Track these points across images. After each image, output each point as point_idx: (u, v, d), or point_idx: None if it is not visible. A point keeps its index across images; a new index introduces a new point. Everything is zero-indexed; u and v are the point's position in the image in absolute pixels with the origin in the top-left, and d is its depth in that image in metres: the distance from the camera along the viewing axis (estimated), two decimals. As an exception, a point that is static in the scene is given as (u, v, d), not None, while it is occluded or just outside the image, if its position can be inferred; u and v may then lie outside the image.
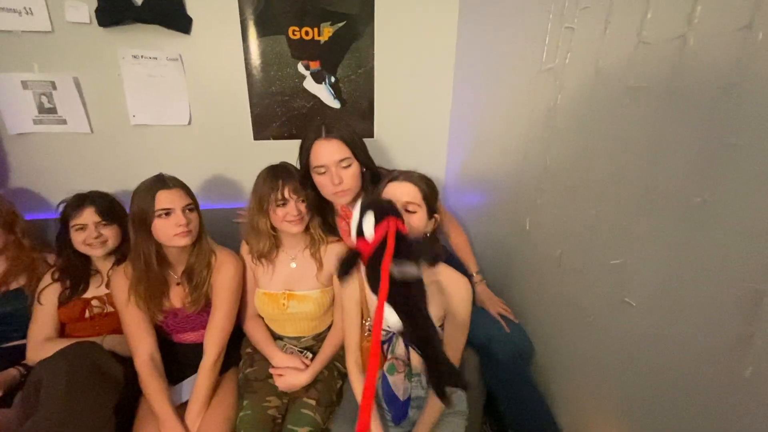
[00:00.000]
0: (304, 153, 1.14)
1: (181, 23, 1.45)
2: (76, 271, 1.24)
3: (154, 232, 1.08)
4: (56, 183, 1.53)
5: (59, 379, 0.93)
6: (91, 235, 1.18)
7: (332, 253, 1.23)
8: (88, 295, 1.25)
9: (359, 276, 0.99)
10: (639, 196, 0.82)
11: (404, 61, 1.72)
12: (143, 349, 1.10)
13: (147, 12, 1.39)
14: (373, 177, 1.19)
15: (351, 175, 1.11)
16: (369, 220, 0.63)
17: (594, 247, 0.96)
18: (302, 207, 1.14)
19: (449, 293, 0.98)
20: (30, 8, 1.33)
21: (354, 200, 1.16)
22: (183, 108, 1.55)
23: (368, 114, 1.76)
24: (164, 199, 1.06)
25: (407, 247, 0.59)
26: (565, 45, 1.04)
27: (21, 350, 1.20)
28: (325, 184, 1.11)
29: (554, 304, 1.14)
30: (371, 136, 1.80)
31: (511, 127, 1.31)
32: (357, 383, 1.07)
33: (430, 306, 0.78)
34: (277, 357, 1.19)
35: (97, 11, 1.36)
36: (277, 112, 1.66)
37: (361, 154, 1.14)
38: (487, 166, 1.50)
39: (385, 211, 0.64)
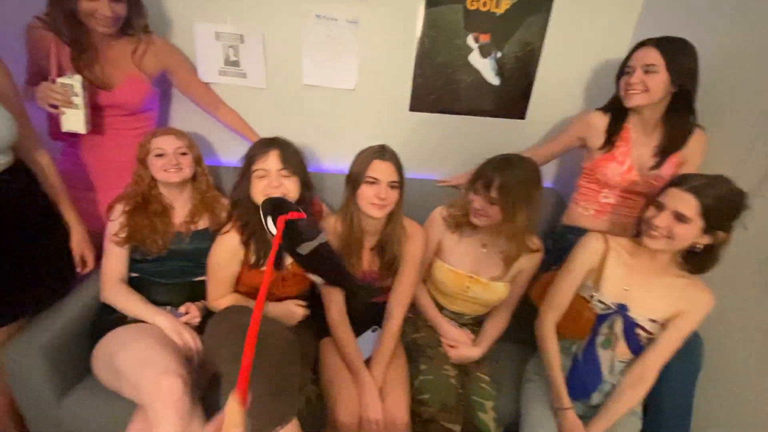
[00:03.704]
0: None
1: (367, -15, 1.44)
2: (258, 230, 1.16)
3: (358, 195, 1.11)
4: (224, 132, 1.62)
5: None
6: (272, 182, 1.12)
7: (526, 262, 1.19)
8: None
9: (610, 247, 1.05)
10: None
11: (575, 44, 1.61)
12: (337, 299, 1.15)
13: (341, -29, 1.39)
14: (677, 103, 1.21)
15: (654, 84, 1.17)
16: (270, 223, 0.78)
17: None
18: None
19: (691, 300, 0.98)
20: (235, -40, 1.37)
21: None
22: (352, 72, 1.57)
23: (524, 95, 1.69)
24: (376, 168, 1.09)
25: (299, 231, 0.76)
26: None
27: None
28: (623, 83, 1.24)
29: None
30: (522, 117, 1.73)
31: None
32: (551, 342, 1.10)
33: (662, 301, 1.01)
34: (446, 329, 1.22)
35: (295, -32, 1.39)
36: (436, 84, 1.63)
37: (678, 75, 1.16)
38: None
39: (278, 211, 0.78)
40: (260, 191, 1.12)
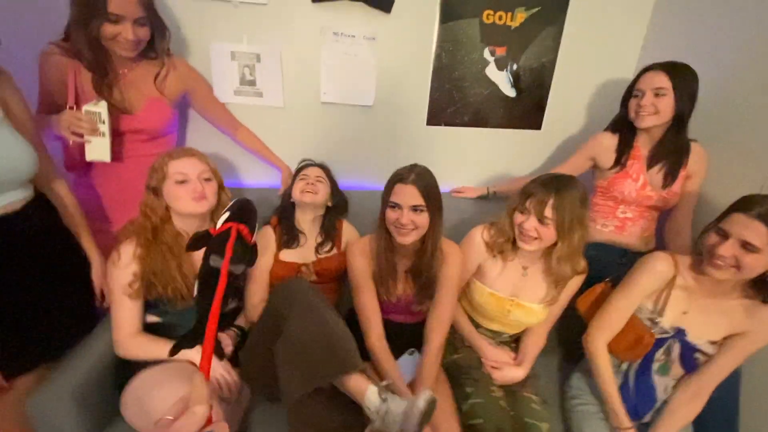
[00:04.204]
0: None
1: (385, 1, 1.43)
2: (290, 224, 1.31)
3: (386, 219, 1.09)
4: (243, 154, 1.58)
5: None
6: (309, 181, 1.28)
7: (571, 283, 1.15)
8: (298, 260, 1.30)
9: (679, 271, 1.02)
10: None
11: (587, 56, 1.64)
12: (376, 324, 1.12)
13: (360, -12, 1.38)
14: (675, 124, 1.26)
15: (663, 107, 1.23)
16: (224, 215, 0.81)
17: None
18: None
19: (759, 321, 0.96)
20: (251, -21, 1.35)
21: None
22: (369, 88, 1.55)
23: (540, 106, 1.70)
24: (397, 192, 1.06)
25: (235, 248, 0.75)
26: None
27: (235, 313, 1.26)
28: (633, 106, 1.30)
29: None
30: (538, 128, 1.74)
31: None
32: (604, 362, 1.07)
33: (721, 322, 0.99)
34: (487, 350, 1.19)
35: (313, -15, 1.37)
36: (454, 97, 1.63)
37: (682, 98, 1.21)
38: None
39: (235, 215, 0.80)
40: (299, 189, 1.27)
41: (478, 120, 1.69)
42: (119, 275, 1.03)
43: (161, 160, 1.07)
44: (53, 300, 0.97)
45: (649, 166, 1.31)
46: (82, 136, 1.03)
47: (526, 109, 1.70)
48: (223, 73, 1.44)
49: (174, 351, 0.89)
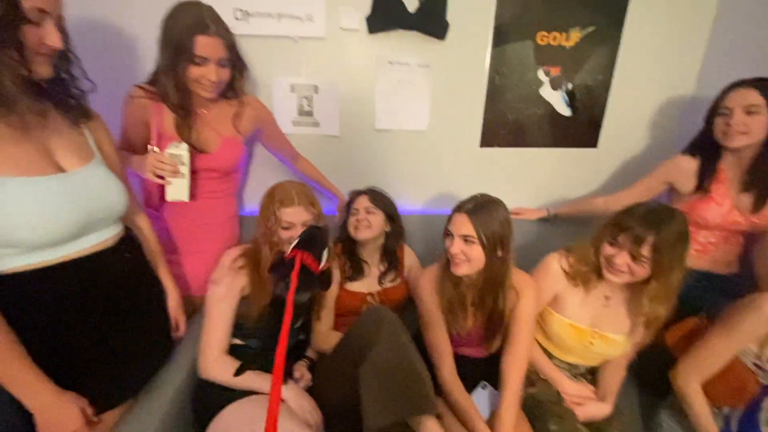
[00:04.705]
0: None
1: (439, 29, 1.45)
2: (353, 254, 1.35)
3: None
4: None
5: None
6: (359, 216, 1.30)
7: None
8: (364, 289, 1.30)
9: None
10: None
11: (645, 72, 1.60)
12: (448, 358, 1.08)
13: (416, 19, 1.41)
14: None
15: (757, 125, 1.16)
16: (293, 242, 0.84)
17: None
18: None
19: None
20: (311, 15, 1.40)
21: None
22: (424, 114, 1.56)
23: (596, 123, 1.66)
24: (453, 221, 1.04)
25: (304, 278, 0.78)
26: None
27: (302, 345, 1.25)
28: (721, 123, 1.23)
29: None
30: (594, 146, 1.69)
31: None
32: (701, 404, 0.99)
33: None
34: (566, 384, 1.13)
35: (370, 18, 1.40)
36: (508, 118, 1.61)
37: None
38: None
39: (300, 243, 0.83)
40: (352, 226, 1.31)
41: (533, 140, 1.66)
42: (228, 284, 1.08)
43: (274, 205, 1.10)
44: (139, 333, 0.99)
45: (742, 190, 1.23)
46: (163, 177, 1.07)
47: (582, 127, 1.66)
48: (283, 105, 1.49)
49: (239, 372, 1.04)
